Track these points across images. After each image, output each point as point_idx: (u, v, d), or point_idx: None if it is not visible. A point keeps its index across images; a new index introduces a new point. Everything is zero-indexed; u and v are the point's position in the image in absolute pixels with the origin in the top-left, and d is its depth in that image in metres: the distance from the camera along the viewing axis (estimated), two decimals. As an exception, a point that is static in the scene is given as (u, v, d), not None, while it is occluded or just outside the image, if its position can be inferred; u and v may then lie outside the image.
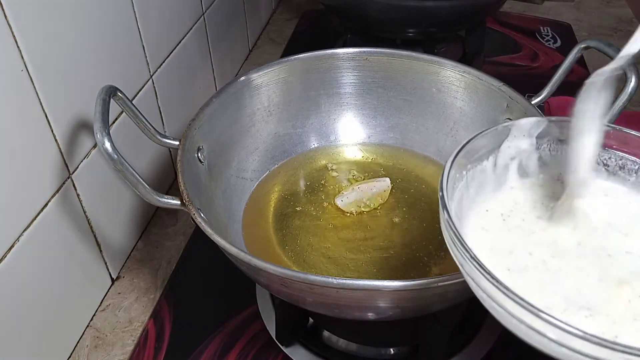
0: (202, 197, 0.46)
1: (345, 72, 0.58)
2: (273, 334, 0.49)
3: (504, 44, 0.92)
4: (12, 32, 0.39)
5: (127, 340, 0.52)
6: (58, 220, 0.47)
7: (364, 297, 0.37)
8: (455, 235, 0.26)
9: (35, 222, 0.44)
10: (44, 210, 0.45)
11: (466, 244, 0.25)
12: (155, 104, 0.61)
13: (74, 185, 0.48)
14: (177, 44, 0.65)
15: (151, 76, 0.60)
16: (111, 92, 0.42)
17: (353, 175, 0.57)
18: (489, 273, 0.24)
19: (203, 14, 0.72)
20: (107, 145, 0.38)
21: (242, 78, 0.54)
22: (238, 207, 0.53)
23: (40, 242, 0.45)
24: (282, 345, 0.48)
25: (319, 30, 0.97)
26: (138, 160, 0.59)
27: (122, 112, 0.53)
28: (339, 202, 0.54)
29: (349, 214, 0.53)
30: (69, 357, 0.50)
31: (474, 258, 0.25)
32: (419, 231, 0.51)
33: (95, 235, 0.52)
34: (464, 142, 0.31)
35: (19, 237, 0.42)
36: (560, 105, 0.72)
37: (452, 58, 0.57)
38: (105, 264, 0.55)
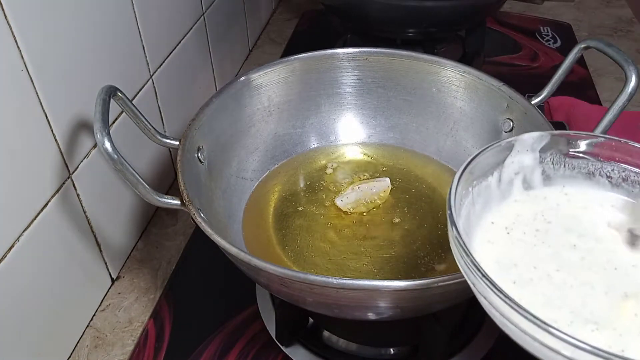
0: (202, 197, 0.46)
1: (345, 72, 0.58)
2: (273, 334, 0.49)
3: (504, 44, 0.92)
4: (12, 32, 0.39)
5: (127, 340, 0.52)
6: (58, 220, 0.47)
7: (364, 297, 0.37)
8: (466, 254, 0.26)
9: (35, 222, 0.44)
10: (44, 210, 0.45)
11: (479, 265, 0.25)
12: (155, 104, 0.61)
13: (74, 185, 0.48)
14: (177, 44, 0.65)
15: (151, 76, 0.60)
16: (111, 92, 0.42)
17: (353, 175, 0.57)
18: (500, 290, 0.24)
19: (203, 14, 0.72)
20: (107, 145, 0.38)
21: (242, 78, 0.54)
22: (238, 207, 0.53)
23: (40, 242, 0.45)
24: (282, 345, 0.48)
25: (319, 30, 0.97)
26: (138, 160, 0.59)
27: (122, 112, 0.53)
28: (339, 202, 0.54)
29: (349, 214, 0.53)
30: (69, 357, 0.50)
31: (485, 276, 0.25)
32: (419, 231, 0.51)
33: (95, 235, 0.52)
34: (469, 158, 0.31)
35: (19, 237, 0.42)
36: (560, 105, 0.72)
37: (452, 58, 0.57)
38: (105, 264, 0.55)
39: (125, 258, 0.59)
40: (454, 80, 0.56)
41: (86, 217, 0.51)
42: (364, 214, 0.53)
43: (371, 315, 0.40)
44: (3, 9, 0.38)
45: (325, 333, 0.49)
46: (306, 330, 0.49)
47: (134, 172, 0.39)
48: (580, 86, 0.80)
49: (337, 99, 0.59)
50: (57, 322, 0.48)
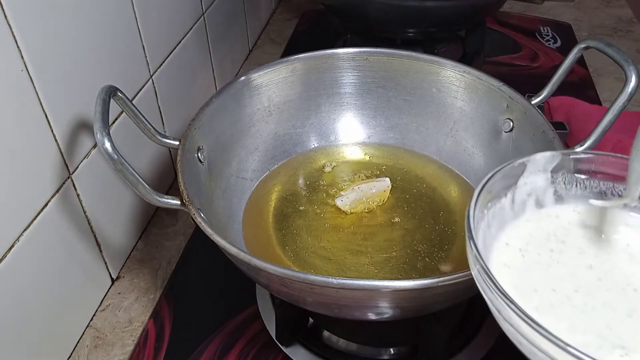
0: (202, 197, 0.46)
1: (345, 72, 0.58)
2: (273, 334, 0.49)
3: (504, 44, 0.92)
4: (12, 32, 0.39)
5: (127, 340, 0.52)
6: (58, 220, 0.47)
7: (364, 297, 0.37)
8: (494, 284, 0.26)
9: (35, 222, 0.44)
10: (44, 210, 0.45)
11: (504, 290, 0.25)
12: (155, 104, 0.61)
13: (74, 185, 0.48)
14: (177, 44, 0.65)
15: (151, 76, 0.60)
16: (111, 92, 0.42)
17: (353, 175, 0.57)
18: (532, 319, 0.24)
19: (203, 14, 0.72)
20: (107, 145, 0.38)
21: (242, 78, 0.54)
22: (238, 207, 0.53)
23: (40, 242, 0.45)
24: (282, 345, 0.48)
25: (319, 30, 0.97)
26: (138, 160, 0.59)
27: (122, 112, 0.53)
28: (339, 202, 0.54)
29: (349, 214, 0.53)
30: (69, 357, 0.50)
31: (513, 303, 0.24)
32: (419, 231, 0.51)
33: (95, 235, 0.52)
34: (484, 180, 0.30)
35: (19, 237, 0.42)
36: (560, 105, 0.72)
37: (452, 58, 0.57)
38: (105, 264, 0.55)
39: (125, 258, 0.59)
40: (454, 80, 0.56)
41: (86, 217, 0.51)
42: (364, 214, 0.53)
43: (371, 315, 0.40)
44: (3, 9, 0.38)
45: (325, 333, 0.49)
46: (306, 330, 0.49)
47: (134, 172, 0.39)
48: (580, 86, 0.80)
49: (337, 99, 0.59)
50: (57, 322, 0.48)
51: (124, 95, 0.44)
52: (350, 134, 0.60)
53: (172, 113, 0.65)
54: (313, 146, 0.60)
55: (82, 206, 0.50)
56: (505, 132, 0.52)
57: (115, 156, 0.38)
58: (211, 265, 0.57)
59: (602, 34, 0.97)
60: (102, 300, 0.55)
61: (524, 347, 0.26)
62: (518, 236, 0.32)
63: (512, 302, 0.25)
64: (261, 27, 1.01)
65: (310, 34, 0.98)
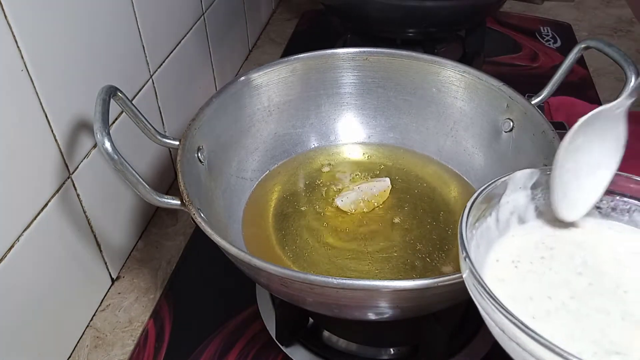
0: (202, 197, 0.46)
1: (345, 72, 0.58)
2: (273, 334, 0.49)
3: (504, 44, 0.92)
4: (12, 32, 0.39)
5: (127, 340, 0.52)
6: (58, 220, 0.47)
7: (364, 297, 0.37)
8: (486, 292, 0.26)
9: (35, 222, 0.44)
10: (44, 210, 0.45)
11: (507, 308, 0.25)
12: (155, 104, 0.61)
13: (74, 185, 0.48)
14: (177, 44, 0.65)
15: (151, 76, 0.60)
16: (111, 92, 0.42)
17: (353, 175, 0.57)
18: (532, 330, 0.24)
19: (203, 14, 0.72)
20: (107, 145, 0.38)
21: (242, 78, 0.54)
22: (238, 207, 0.53)
23: (40, 242, 0.45)
24: (282, 345, 0.48)
25: (319, 30, 0.97)
26: (138, 160, 0.59)
27: (122, 112, 0.53)
28: (339, 202, 0.54)
29: (349, 214, 0.53)
30: (69, 357, 0.50)
31: (508, 312, 0.25)
32: (419, 231, 0.51)
33: (95, 235, 0.52)
34: (470, 202, 0.31)
35: (19, 237, 0.42)
36: (560, 105, 0.72)
37: (452, 58, 0.57)
38: (105, 264, 0.55)
39: (125, 258, 0.59)
40: (454, 80, 0.56)
41: (86, 217, 0.50)
42: (364, 214, 0.53)
43: (371, 315, 0.40)
44: (3, 9, 0.38)
45: (325, 333, 0.49)
46: (306, 330, 0.49)
47: (134, 172, 0.39)
48: (580, 86, 0.80)
49: (337, 99, 0.59)
50: (57, 322, 0.48)
51: (124, 95, 0.44)
52: (350, 134, 0.60)
53: (172, 113, 0.65)
54: (313, 146, 0.60)
55: (82, 206, 0.50)
56: (505, 132, 0.52)
57: (115, 156, 0.38)
58: (211, 265, 0.57)
59: (602, 34, 0.97)
60: (102, 300, 0.55)
61: (517, 354, 0.26)
62: (507, 251, 0.33)
63: (508, 312, 0.25)
64: (261, 27, 1.01)
65: (310, 34, 0.98)
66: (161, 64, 0.62)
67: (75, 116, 0.47)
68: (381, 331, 0.49)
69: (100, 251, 0.54)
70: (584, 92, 0.78)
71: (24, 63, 0.40)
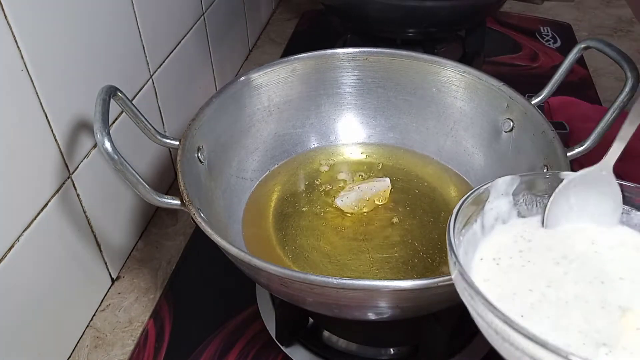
0: (202, 197, 0.46)
1: (345, 72, 0.58)
2: (273, 334, 0.49)
3: (504, 44, 0.92)
4: (12, 32, 0.39)
5: (127, 340, 0.52)
6: (58, 220, 0.47)
7: (364, 297, 0.37)
8: (476, 292, 0.26)
9: (35, 222, 0.44)
10: (44, 210, 0.45)
11: (505, 315, 0.25)
12: (155, 104, 0.61)
13: (74, 185, 0.48)
14: (177, 44, 0.65)
15: (151, 76, 0.60)
16: (111, 92, 0.42)
17: (353, 175, 0.57)
18: (529, 332, 0.24)
19: (203, 14, 0.72)
20: (107, 145, 0.38)
21: (242, 78, 0.54)
22: (238, 207, 0.53)
23: (40, 242, 0.45)
24: (282, 345, 0.48)
25: (319, 30, 0.97)
26: (138, 160, 0.59)
27: (122, 112, 0.53)
28: (339, 202, 0.54)
29: (349, 214, 0.53)
30: (69, 357, 0.50)
31: (508, 319, 0.25)
32: (419, 231, 0.51)
33: (95, 235, 0.52)
34: (456, 209, 0.32)
35: (19, 237, 0.42)
36: (560, 105, 0.72)
37: (452, 58, 0.57)
38: (105, 264, 0.55)
39: (125, 258, 0.59)
40: (454, 80, 0.56)
41: (86, 217, 0.51)
42: (364, 214, 0.53)
43: (371, 315, 0.40)
44: (3, 9, 0.38)
45: (325, 333, 0.49)
46: (306, 330, 0.49)
47: (134, 172, 0.39)
48: (580, 86, 0.80)
49: (337, 99, 0.59)
50: (57, 322, 0.48)
51: (124, 95, 0.44)
52: (350, 134, 0.60)
53: (172, 113, 0.65)
54: (313, 146, 0.60)
55: (82, 206, 0.50)
56: (505, 132, 0.52)
57: (115, 156, 0.38)
58: (211, 265, 0.57)
59: (602, 34, 0.97)
60: (102, 300, 0.55)
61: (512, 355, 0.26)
62: (488, 248, 0.33)
63: (502, 313, 0.25)
64: (261, 27, 1.01)
65: (310, 34, 0.98)
66: (161, 64, 0.62)
67: (75, 116, 0.47)
68: (381, 331, 0.49)
69: (100, 251, 0.54)
70: (584, 92, 0.78)
71: (24, 63, 0.40)
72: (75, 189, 0.49)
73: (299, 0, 1.10)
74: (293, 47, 0.93)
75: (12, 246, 0.42)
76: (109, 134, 0.38)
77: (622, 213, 0.34)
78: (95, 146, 0.50)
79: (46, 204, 0.45)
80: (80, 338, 0.52)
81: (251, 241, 0.51)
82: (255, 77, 0.55)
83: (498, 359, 0.28)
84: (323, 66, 0.57)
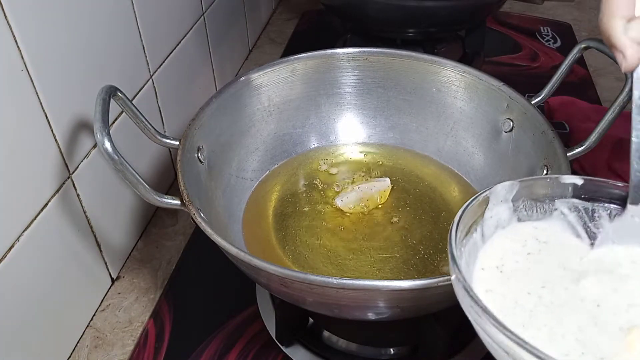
0: (202, 197, 0.46)
1: (345, 72, 0.58)
2: (273, 334, 0.49)
3: (504, 44, 0.92)
4: (12, 32, 0.39)
5: (127, 340, 0.52)
6: (58, 220, 0.47)
7: (364, 297, 0.37)
8: (477, 304, 0.26)
9: (35, 222, 0.44)
10: (44, 210, 0.45)
11: (502, 323, 0.25)
12: (155, 104, 0.61)
13: (74, 185, 0.48)
14: (177, 44, 0.65)
15: (151, 76, 0.60)
16: (111, 92, 0.42)
17: (353, 175, 0.57)
18: (530, 345, 0.24)
19: (203, 14, 0.72)
20: (107, 145, 0.38)
21: (242, 78, 0.54)
22: (238, 207, 0.53)
23: (40, 242, 0.45)
24: (282, 345, 0.48)
25: (319, 30, 0.97)
26: (138, 160, 0.59)
27: (122, 112, 0.53)
28: (339, 202, 0.54)
29: (349, 214, 0.53)
30: (69, 357, 0.50)
31: (512, 334, 0.24)
32: (419, 231, 0.51)
33: (95, 235, 0.52)
34: (457, 218, 0.31)
35: (19, 237, 0.42)
36: (560, 105, 0.72)
37: (452, 58, 0.57)
38: (105, 264, 0.55)
39: (125, 258, 0.59)
40: (454, 80, 0.56)
41: (86, 217, 0.51)
42: (364, 214, 0.53)
43: (371, 315, 0.40)
44: (3, 9, 0.38)
45: (325, 333, 0.49)
46: (306, 330, 0.49)
47: (134, 172, 0.39)
48: (580, 86, 0.80)
49: (337, 99, 0.59)
50: (57, 322, 0.48)
51: (124, 95, 0.44)
52: (350, 134, 0.60)
53: (172, 113, 0.65)
54: (313, 146, 0.60)
55: (82, 206, 0.50)
56: (505, 132, 0.52)
57: (115, 156, 0.38)
58: (211, 265, 0.57)
59: (602, 34, 0.96)
60: (102, 300, 0.55)
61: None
62: (490, 256, 0.33)
63: (505, 327, 0.25)
64: (261, 27, 1.01)
65: (310, 34, 0.98)
66: (161, 64, 0.62)
67: (75, 116, 0.47)
68: (381, 331, 0.49)
69: (100, 251, 0.54)
70: (584, 92, 0.78)
71: (24, 63, 0.40)
72: (75, 189, 0.49)
73: (299, 0, 1.10)
74: (293, 47, 0.93)
75: (12, 246, 0.42)
76: (109, 134, 0.38)
77: None
78: (95, 146, 0.50)
79: (46, 204, 0.45)
80: (80, 338, 0.52)
81: (251, 241, 0.51)
82: (255, 77, 0.55)
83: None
84: (323, 66, 0.57)
